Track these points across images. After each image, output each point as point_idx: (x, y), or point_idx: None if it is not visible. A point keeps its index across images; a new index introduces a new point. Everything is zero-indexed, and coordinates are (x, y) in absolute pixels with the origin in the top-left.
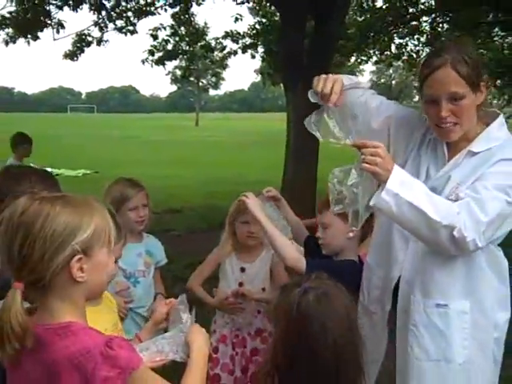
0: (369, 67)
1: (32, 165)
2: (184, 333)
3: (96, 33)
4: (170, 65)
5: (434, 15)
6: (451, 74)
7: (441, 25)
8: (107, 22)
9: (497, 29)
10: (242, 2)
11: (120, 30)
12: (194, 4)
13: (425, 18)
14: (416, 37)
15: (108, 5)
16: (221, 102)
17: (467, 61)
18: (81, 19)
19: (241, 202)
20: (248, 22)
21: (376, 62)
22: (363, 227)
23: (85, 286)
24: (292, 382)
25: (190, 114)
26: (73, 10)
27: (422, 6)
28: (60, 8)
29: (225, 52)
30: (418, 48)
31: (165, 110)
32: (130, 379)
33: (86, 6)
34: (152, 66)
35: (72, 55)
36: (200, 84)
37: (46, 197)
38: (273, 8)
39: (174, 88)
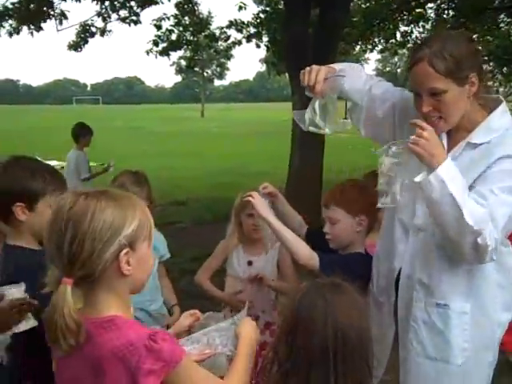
0: (374, 56)
1: (37, 158)
2: (236, 325)
3: (99, 23)
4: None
5: (438, 2)
6: (428, 69)
7: (446, 11)
8: (110, 13)
9: (503, 15)
10: None
11: (123, 20)
12: None
13: (430, 5)
14: (421, 24)
15: None
16: (226, 92)
17: (446, 56)
18: (84, 10)
19: (246, 202)
20: (252, 10)
21: (381, 51)
22: (369, 218)
23: (130, 279)
24: (290, 370)
25: (195, 105)
26: (76, 0)
27: None
28: None
29: (229, 42)
30: (423, 35)
31: (170, 101)
32: (173, 372)
33: None
34: (156, 56)
35: (76, 46)
36: (205, 74)
37: (90, 192)
38: None
39: (178, 79)
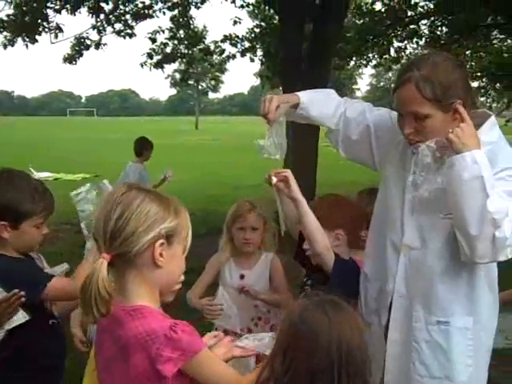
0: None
1: (31, 169)
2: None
3: (94, 36)
4: (169, 68)
5: (432, 18)
6: (414, 92)
7: (439, 28)
8: (105, 26)
9: (495, 32)
10: (242, 6)
11: (118, 33)
12: (192, 7)
13: (423, 22)
14: (415, 40)
15: (106, 8)
16: (220, 105)
17: (434, 81)
18: (79, 23)
19: (282, 177)
20: (247, 25)
21: (375, 66)
22: (347, 232)
23: (161, 272)
24: None
25: (189, 118)
26: (71, 13)
27: (421, 9)
28: (58, 11)
29: (224, 56)
30: (416, 51)
31: (164, 114)
32: (192, 361)
33: (84, 10)
34: (150, 69)
35: (71, 59)
36: (199, 87)
37: (141, 187)
38: (272, 11)
39: (173, 91)
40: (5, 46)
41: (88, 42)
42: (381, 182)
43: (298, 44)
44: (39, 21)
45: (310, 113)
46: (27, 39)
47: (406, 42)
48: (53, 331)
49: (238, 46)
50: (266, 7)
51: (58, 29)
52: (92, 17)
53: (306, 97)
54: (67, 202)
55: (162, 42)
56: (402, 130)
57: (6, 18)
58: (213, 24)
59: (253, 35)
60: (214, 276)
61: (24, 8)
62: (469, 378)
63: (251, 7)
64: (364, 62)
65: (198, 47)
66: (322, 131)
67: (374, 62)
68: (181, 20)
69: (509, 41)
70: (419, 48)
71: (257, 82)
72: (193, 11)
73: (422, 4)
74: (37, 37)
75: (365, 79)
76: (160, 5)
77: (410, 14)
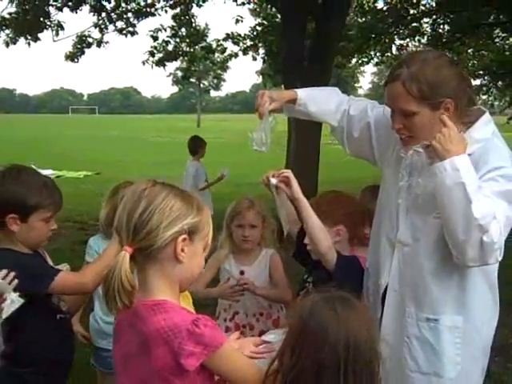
0: (370, 68)
1: (33, 166)
2: None
3: (96, 34)
4: (171, 66)
5: (434, 16)
6: (401, 90)
7: (441, 26)
8: (107, 24)
9: (498, 30)
10: (243, 4)
11: (120, 31)
12: (194, 5)
13: (425, 20)
14: (417, 38)
15: (108, 6)
16: (222, 103)
17: (421, 79)
18: (81, 20)
19: (283, 177)
20: (249, 23)
21: (377, 64)
22: (348, 228)
23: (181, 268)
24: (295, 381)
25: (191, 115)
26: (72, 11)
27: (423, 8)
28: (60, 9)
29: (225, 54)
30: (418, 49)
31: (166, 112)
32: (214, 356)
33: (86, 8)
34: (152, 67)
35: (73, 57)
36: (201, 85)
37: (165, 183)
38: (274, 9)
39: (175, 89)
40: (7, 44)
41: (90, 39)
42: (381, 179)
43: (300, 42)
44: (41, 19)
45: (308, 108)
46: (29, 37)
47: (408, 40)
48: (61, 326)
49: (240, 44)
50: (268, 5)
51: (60, 26)
52: (94, 15)
53: (304, 93)
54: (69, 199)
55: (163, 40)
56: (392, 125)
57: (8, 16)
58: (215, 22)
59: (255, 33)
60: (215, 272)
61: (26, 6)
62: (457, 375)
63: (252, 5)
64: (365, 60)
65: (200, 45)
66: (324, 130)
67: (375, 60)
68: (183, 18)
69: (511, 39)
70: (421, 46)
71: (259, 80)
72: (195, 9)
73: (424, 2)
74: (39, 35)
75: (366, 77)
76: (162, 3)
77: (412, 12)
